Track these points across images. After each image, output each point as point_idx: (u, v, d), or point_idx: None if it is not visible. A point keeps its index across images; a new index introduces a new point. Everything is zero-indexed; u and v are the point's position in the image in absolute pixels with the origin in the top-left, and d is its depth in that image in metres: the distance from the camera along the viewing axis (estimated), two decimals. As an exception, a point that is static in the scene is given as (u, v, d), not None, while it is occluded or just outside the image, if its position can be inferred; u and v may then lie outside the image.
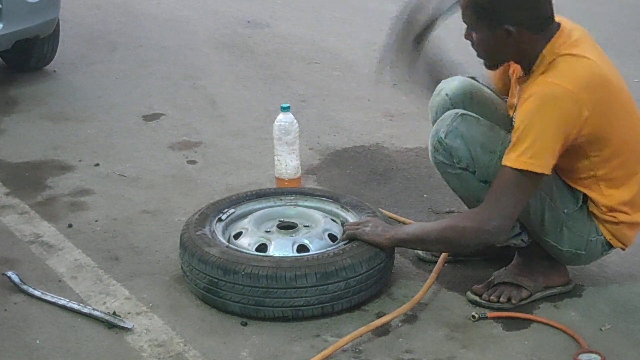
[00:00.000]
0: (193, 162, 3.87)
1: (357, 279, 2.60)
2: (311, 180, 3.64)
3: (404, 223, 3.16)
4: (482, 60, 2.60)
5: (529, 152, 2.38)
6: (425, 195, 3.47)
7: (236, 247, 2.70)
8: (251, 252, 2.68)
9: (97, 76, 5.12)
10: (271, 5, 6.86)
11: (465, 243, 2.57)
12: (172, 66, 5.33)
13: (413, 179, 3.62)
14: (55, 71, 5.17)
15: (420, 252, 2.96)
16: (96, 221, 3.29)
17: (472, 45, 2.55)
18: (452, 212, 3.25)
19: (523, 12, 2.44)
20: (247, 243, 2.75)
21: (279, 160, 3.47)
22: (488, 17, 2.45)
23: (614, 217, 2.58)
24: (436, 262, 2.83)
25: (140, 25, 6.31)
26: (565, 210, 2.58)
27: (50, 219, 3.31)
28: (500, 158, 2.46)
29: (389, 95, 4.63)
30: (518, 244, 2.66)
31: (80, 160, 3.87)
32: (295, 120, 3.46)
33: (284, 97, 4.66)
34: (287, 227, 2.86)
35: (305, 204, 3.01)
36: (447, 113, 2.61)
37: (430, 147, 2.63)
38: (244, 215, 2.95)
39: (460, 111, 2.59)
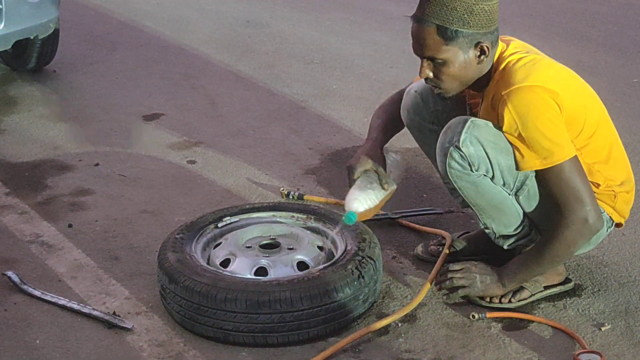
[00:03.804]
0: (193, 162, 3.87)
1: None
2: (311, 180, 3.64)
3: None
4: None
5: (547, 147, 2.41)
6: (425, 195, 3.47)
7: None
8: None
9: (97, 76, 5.12)
10: (271, 5, 6.86)
11: (578, 246, 2.54)
12: (172, 66, 5.34)
13: (413, 179, 3.62)
14: (55, 71, 5.17)
15: (419, 252, 2.96)
16: (96, 221, 3.29)
17: (437, 78, 2.49)
18: (452, 212, 3.25)
19: (491, 25, 2.44)
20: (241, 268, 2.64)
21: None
22: (460, 40, 2.41)
23: (612, 190, 2.60)
24: (436, 262, 2.83)
25: (140, 25, 6.31)
26: None
27: (50, 219, 3.31)
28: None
29: (389, 95, 4.63)
30: (527, 244, 2.67)
31: (80, 160, 3.87)
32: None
33: (284, 97, 4.66)
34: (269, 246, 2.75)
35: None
36: (452, 121, 2.53)
37: (441, 158, 2.53)
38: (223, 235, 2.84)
39: (469, 118, 2.51)
